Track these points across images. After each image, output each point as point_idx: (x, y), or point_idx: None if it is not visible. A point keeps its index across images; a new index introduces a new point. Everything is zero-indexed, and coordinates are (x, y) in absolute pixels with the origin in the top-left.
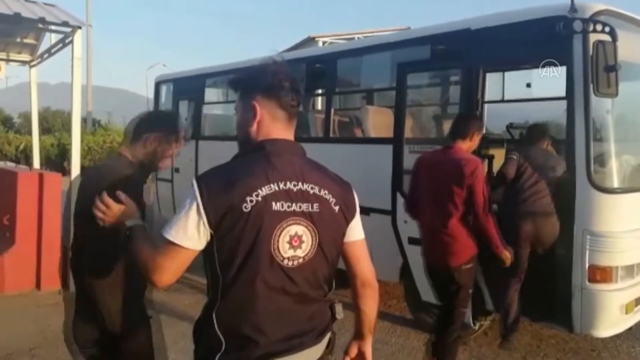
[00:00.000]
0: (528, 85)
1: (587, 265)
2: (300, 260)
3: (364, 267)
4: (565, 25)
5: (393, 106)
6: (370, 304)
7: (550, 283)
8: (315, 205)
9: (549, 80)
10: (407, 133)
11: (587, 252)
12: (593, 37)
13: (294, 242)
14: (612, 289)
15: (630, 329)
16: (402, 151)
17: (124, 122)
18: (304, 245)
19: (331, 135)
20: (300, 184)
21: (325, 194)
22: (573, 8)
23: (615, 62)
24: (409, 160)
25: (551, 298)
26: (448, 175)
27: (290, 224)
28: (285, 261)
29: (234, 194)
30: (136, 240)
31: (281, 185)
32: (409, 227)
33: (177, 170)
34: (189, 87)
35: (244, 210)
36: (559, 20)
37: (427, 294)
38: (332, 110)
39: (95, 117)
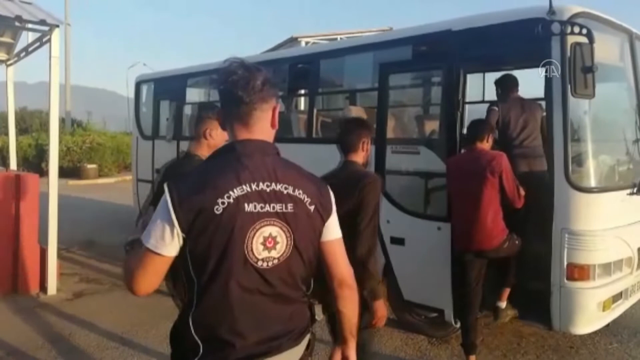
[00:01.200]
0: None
1: (565, 263)
2: (275, 261)
3: (341, 267)
4: (543, 27)
5: (376, 107)
6: (350, 306)
7: (529, 281)
8: (290, 206)
9: (528, 81)
10: (390, 133)
11: (566, 250)
12: (571, 39)
13: (268, 243)
14: (590, 287)
15: (607, 325)
16: (384, 151)
17: (104, 122)
18: (278, 246)
19: (314, 135)
20: (273, 184)
21: (299, 193)
22: (551, 11)
23: (592, 64)
24: (392, 160)
25: (531, 296)
26: (479, 171)
27: (264, 225)
28: (260, 262)
29: (204, 197)
30: (130, 255)
31: (253, 186)
32: (391, 227)
33: (157, 171)
34: (170, 87)
35: (216, 212)
36: (538, 23)
37: (410, 293)
38: (315, 111)
39: (75, 117)
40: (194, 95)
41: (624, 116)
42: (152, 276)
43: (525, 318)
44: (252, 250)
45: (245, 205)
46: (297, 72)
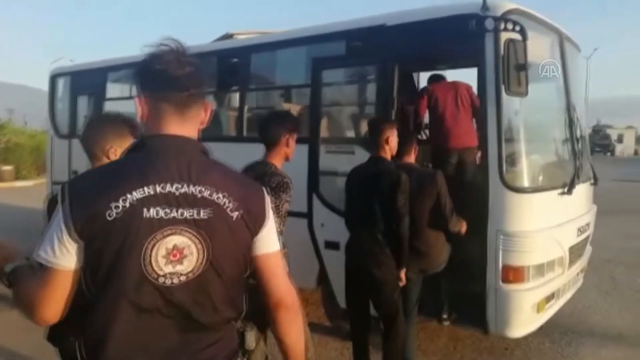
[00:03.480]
0: None
1: (500, 265)
2: (184, 278)
3: (279, 285)
4: (477, 23)
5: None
6: (291, 332)
7: (465, 284)
8: (205, 212)
9: (463, 78)
10: (324, 132)
11: (501, 252)
12: (504, 36)
13: (172, 256)
14: (525, 289)
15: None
16: (318, 151)
17: (24, 120)
18: (187, 260)
19: (245, 134)
20: (186, 186)
21: (219, 197)
22: (485, 6)
23: (526, 61)
24: (326, 160)
25: (466, 299)
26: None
27: (168, 234)
28: (162, 279)
29: (97, 201)
30: (19, 283)
31: (158, 188)
32: (326, 231)
33: (75, 172)
34: (89, 81)
35: (108, 218)
36: (471, 18)
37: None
38: (246, 108)
39: None
40: (115, 90)
41: (553, 116)
42: (55, 298)
43: (461, 322)
44: (151, 264)
45: (145, 210)
46: (227, 67)
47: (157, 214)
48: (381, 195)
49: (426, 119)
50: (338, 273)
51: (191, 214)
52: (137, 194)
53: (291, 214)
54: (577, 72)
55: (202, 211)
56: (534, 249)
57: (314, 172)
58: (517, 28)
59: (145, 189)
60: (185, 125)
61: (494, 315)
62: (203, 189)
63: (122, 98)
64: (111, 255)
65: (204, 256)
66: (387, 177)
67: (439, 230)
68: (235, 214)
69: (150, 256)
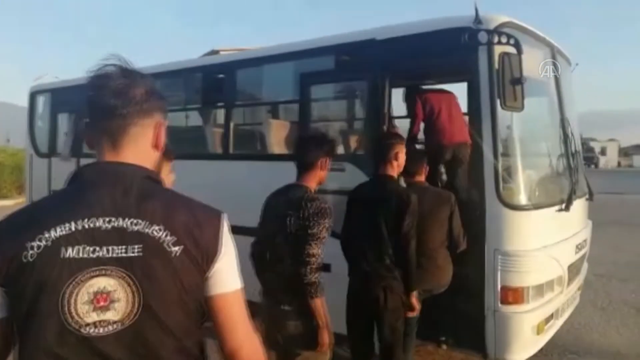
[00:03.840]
0: None
1: (499, 286)
2: (116, 327)
3: (235, 332)
4: (470, 36)
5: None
6: None
7: (463, 305)
8: (137, 248)
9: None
10: None
11: (499, 272)
12: (498, 49)
13: (98, 302)
14: (524, 310)
15: None
16: None
17: (7, 137)
18: (117, 305)
19: (231, 151)
20: (117, 219)
21: (156, 230)
22: (477, 19)
23: (521, 75)
24: None
25: (465, 320)
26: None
27: (92, 277)
28: (89, 328)
29: (16, 240)
30: None
31: (84, 224)
32: None
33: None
34: (69, 98)
35: (24, 260)
36: (464, 32)
37: (338, 325)
38: (232, 125)
39: None
40: None
41: (548, 131)
42: None
43: (458, 345)
44: (72, 311)
45: (64, 249)
46: (212, 83)
47: (78, 254)
48: (388, 216)
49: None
50: (329, 295)
51: (121, 251)
52: (57, 232)
53: None
54: (569, 86)
55: (134, 247)
56: (533, 268)
57: None
58: (512, 41)
59: (68, 225)
60: (124, 152)
61: (493, 339)
62: (137, 222)
63: None
64: (28, 302)
65: (137, 300)
66: (395, 197)
67: (447, 251)
68: (175, 249)
69: (70, 303)
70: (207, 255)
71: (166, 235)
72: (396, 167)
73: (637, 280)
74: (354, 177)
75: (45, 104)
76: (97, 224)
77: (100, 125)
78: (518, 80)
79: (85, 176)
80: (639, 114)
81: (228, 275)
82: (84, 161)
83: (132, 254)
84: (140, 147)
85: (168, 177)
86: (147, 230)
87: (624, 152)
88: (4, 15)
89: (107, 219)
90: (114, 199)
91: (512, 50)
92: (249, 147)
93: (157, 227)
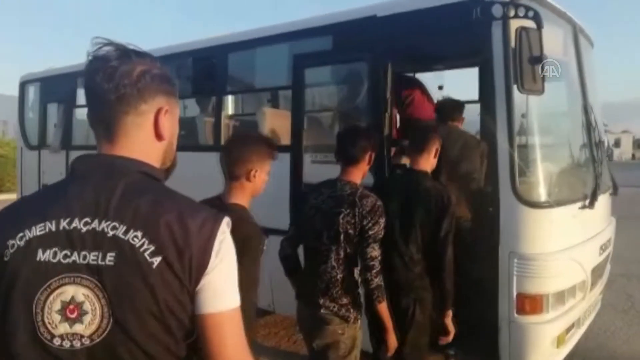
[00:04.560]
0: (440, 87)
1: (515, 293)
2: (86, 341)
3: (223, 357)
4: (482, 10)
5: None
6: None
7: (474, 315)
8: (110, 256)
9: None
10: (308, 139)
11: (515, 278)
12: (515, 24)
13: (69, 312)
14: (544, 321)
15: None
16: (301, 161)
17: (4, 128)
18: (86, 318)
19: (222, 143)
20: (96, 221)
21: (135, 237)
22: None
23: (542, 53)
24: (311, 171)
25: (476, 332)
26: None
27: (65, 284)
28: (58, 340)
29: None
30: None
31: (63, 223)
32: None
33: (45, 187)
34: (58, 87)
35: (4, 259)
36: (476, 5)
37: None
38: (223, 114)
39: None
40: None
41: (569, 118)
42: None
43: (469, 358)
44: (45, 320)
45: (40, 251)
46: (202, 69)
47: (54, 257)
48: (425, 218)
49: None
50: None
51: (94, 257)
52: (34, 231)
53: (271, 231)
54: (592, 70)
55: (107, 254)
56: (553, 273)
57: (297, 185)
58: (530, 14)
59: (48, 224)
60: (119, 143)
61: (508, 352)
62: (117, 225)
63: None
64: (2, 304)
65: (107, 314)
66: (433, 197)
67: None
68: (155, 260)
69: (44, 310)
70: (194, 268)
71: (145, 243)
72: (432, 164)
73: None
74: None
75: (35, 94)
76: (75, 225)
77: (94, 114)
78: (538, 59)
79: (75, 171)
80: None
81: (218, 293)
82: (73, 154)
83: (104, 263)
84: (138, 138)
85: (260, 177)
86: (124, 236)
87: (639, 144)
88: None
89: (85, 220)
90: (96, 197)
91: (530, 24)
92: None
93: (136, 233)
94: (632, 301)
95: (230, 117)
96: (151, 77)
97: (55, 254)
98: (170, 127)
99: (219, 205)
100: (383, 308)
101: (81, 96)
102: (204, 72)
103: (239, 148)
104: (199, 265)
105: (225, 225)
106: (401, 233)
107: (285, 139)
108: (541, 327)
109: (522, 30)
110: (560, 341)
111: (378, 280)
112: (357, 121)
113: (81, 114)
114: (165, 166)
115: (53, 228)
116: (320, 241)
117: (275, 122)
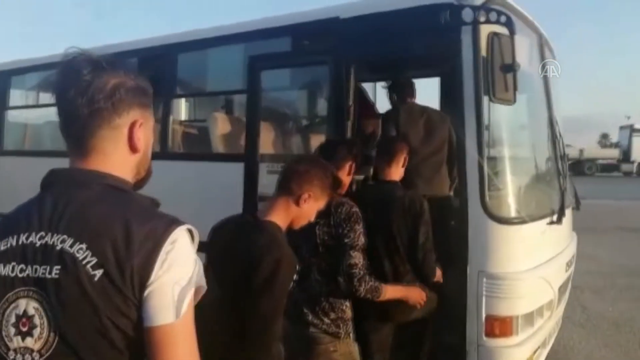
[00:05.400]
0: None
1: (484, 315)
2: (36, 356)
3: None
4: (452, 14)
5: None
6: None
7: (440, 338)
8: (56, 269)
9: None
10: (265, 147)
11: (484, 299)
12: (486, 29)
13: (22, 325)
14: (513, 344)
15: None
16: (256, 170)
17: None
18: (35, 332)
19: (169, 150)
20: (49, 235)
21: (80, 249)
22: None
23: (514, 60)
24: (267, 182)
25: (442, 356)
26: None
27: (19, 297)
28: (13, 354)
29: None
30: None
31: (21, 238)
32: None
33: None
34: None
35: None
36: (445, 9)
37: None
38: (171, 119)
39: None
40: (18, 97)
41: (535, 131)
42: None
43: None
44: (1, 334)
45: (1, 266)
46: (149, 70)
47: (12, 271)
48: (402, 227)
49: None
50: None
51: (43, 271)
52: (1, 246)
53: None
54: (555, 82)
55: (53, 268)
56: (524, 293)
57: (251, 197)
58: (503, 19)
59: (10, 239)
60: (90, 157)
61: None
62: (65, 238)
63: (27, 107)
64: None
65: (50, 330)
66: (408, 204)
67: None
68: (97, 272)
69: (1, 323)
70: (134, 280)
71: (88, 256)
72: (401, 174)
73: (610, 291)
74: None
75: None
76: (31, 240)
77: (66, 128)
78: (510, 67)
79: (42, 185)
80: (595, 119)
81: (164, 305)
82: (3, 159)
83: (50, 276)
84: (111, 152)
85: (310, 207)
86: (70, 249)
87: None
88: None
89: (40, 234)
90: (53, 211)
91: (503, 30)
92: (191, 145)
93: (81, 246)
94: (588, 313)
95: (180, 122)
96: (125, 91)
97: (13, 268)
98: (144, 138)
99: (249, 221)
100: (387, 296)
101: (13, 97)
102: (150, 73)
103: (309, 165)
104: (141, 276)
105: (178, 234)
106: (384, 247)
107: (239, 147)
108: (511, 350)
109: (494, 35)
110: None
111: (364, 287)
112: (317, 128)
113: (13, 116)
114: (140, 176)
115: (14, 243)
116: (300, 255)
117: (229, 128)
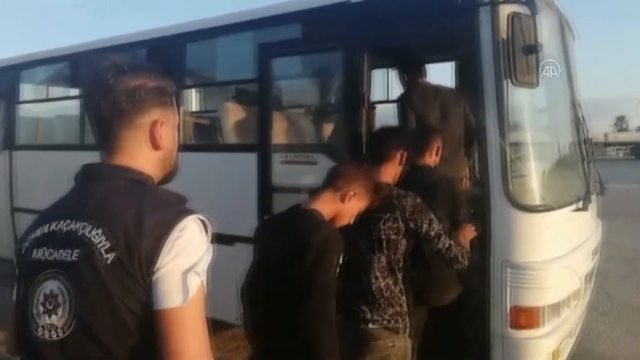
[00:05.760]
0: None
1: (508, 307)
2: (59, 334)
3: (179, 347)
4: None
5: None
6: None
7: (463, 330)
8: (75, 253)
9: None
10: (277, 138)
11: (509, 289)
12: (506, 10)
13: (49, 304)
14: (539, 335)
15: None
16: (269, 161)
17: None
18: (59, 310)
19: (180, 142)
20: (74, 222)
21: (97, 234)
22: None
23: (536, 42)
24: (281, 172)
25: (465, 349)
26: None
27: (47, 278)
28: (40, 330)
29: (24, 237)
30: None
31: (52, 226)
32: None
33: None
34: (2, 82)
35: (22, 252)
36: None
37: None
38: (182, 111)
39: None
40: (30, 92)
41: (559, 115)
42: (12, 329)
43: None
44: (32, 311)
45: (35, 250)
46: (157, 62)
47: (42, 255)
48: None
49: None
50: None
51: (65, 255)
52: (38, 232)
53: (241, 239)
54: (575, 64)
55: (73, 252)
56: (550, 283)
57: (265, 189)
58: None
59: (44, 226)
60: (116, 155)
61: None
62: (86, 225)
63: (37, 101)
64: (18, 299)
65: (72, 309)
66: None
67: None
68: (109, 256)
69: (33, 302)
70: (144, 265)
71: (103, 240)
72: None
73: (635, 278)
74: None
75: None
76: (60, 226)
77: (94, 128)
78: (532, 48)
79: (76, 177)
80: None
81: (171, 289)
82: (17, 154)
83: (69, 259)
84: (134, 149)
85: (354, 206)
86: (89, 234)
87: None
88: None
89: (67, 222)
90: (79, 201)
91: (524, 10)
92: (203, 136)
93: (99, 231)
94: (612, 301)
95: (191, 113)
96: (145, 92)
97: (43, 252)
98: (166, 136)
99: (295, 209)
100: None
101: (25, 92)
102: (159, 65)
103: (356, 166)
104: (148, 261)
105: (187, 222)
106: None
107: (252, 137)
108: (537, 342)
109: (514, 16)
110: (555, 355)
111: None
112: (330, 117)
113: (25, 110)
114: (167, 170)
115: (46, 230)
116: (357, 250)
117: (240, 118)
